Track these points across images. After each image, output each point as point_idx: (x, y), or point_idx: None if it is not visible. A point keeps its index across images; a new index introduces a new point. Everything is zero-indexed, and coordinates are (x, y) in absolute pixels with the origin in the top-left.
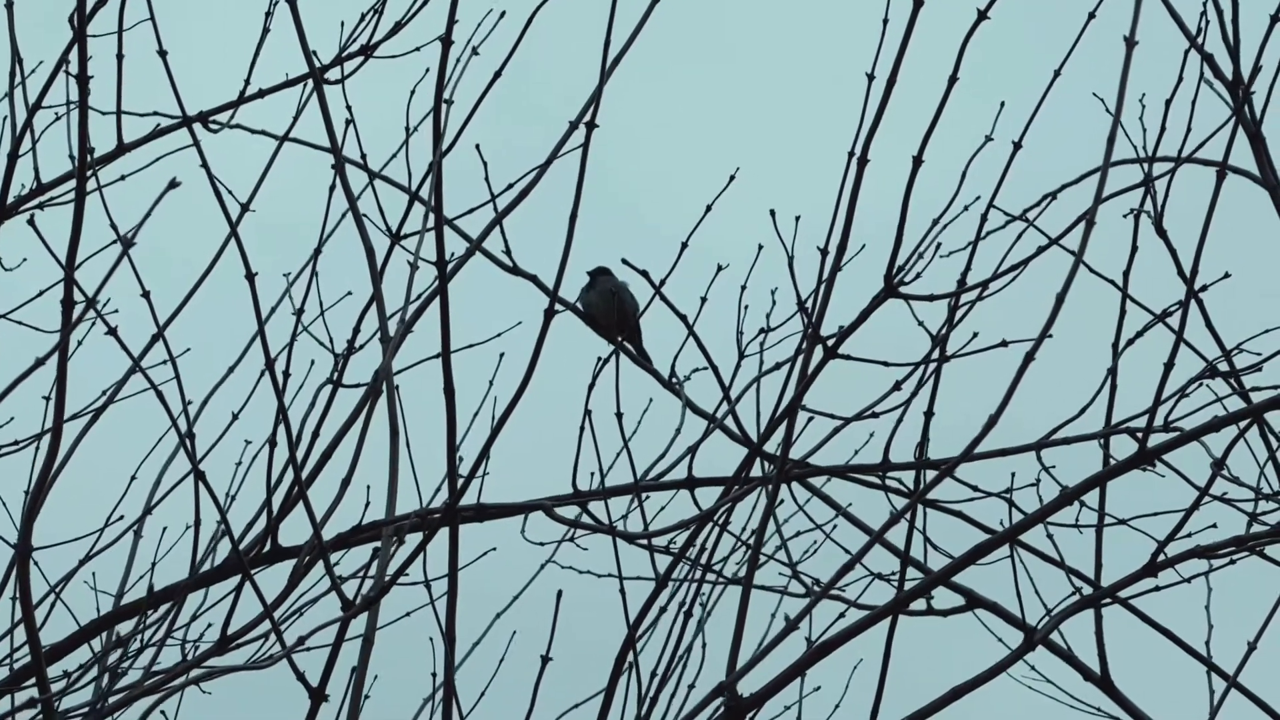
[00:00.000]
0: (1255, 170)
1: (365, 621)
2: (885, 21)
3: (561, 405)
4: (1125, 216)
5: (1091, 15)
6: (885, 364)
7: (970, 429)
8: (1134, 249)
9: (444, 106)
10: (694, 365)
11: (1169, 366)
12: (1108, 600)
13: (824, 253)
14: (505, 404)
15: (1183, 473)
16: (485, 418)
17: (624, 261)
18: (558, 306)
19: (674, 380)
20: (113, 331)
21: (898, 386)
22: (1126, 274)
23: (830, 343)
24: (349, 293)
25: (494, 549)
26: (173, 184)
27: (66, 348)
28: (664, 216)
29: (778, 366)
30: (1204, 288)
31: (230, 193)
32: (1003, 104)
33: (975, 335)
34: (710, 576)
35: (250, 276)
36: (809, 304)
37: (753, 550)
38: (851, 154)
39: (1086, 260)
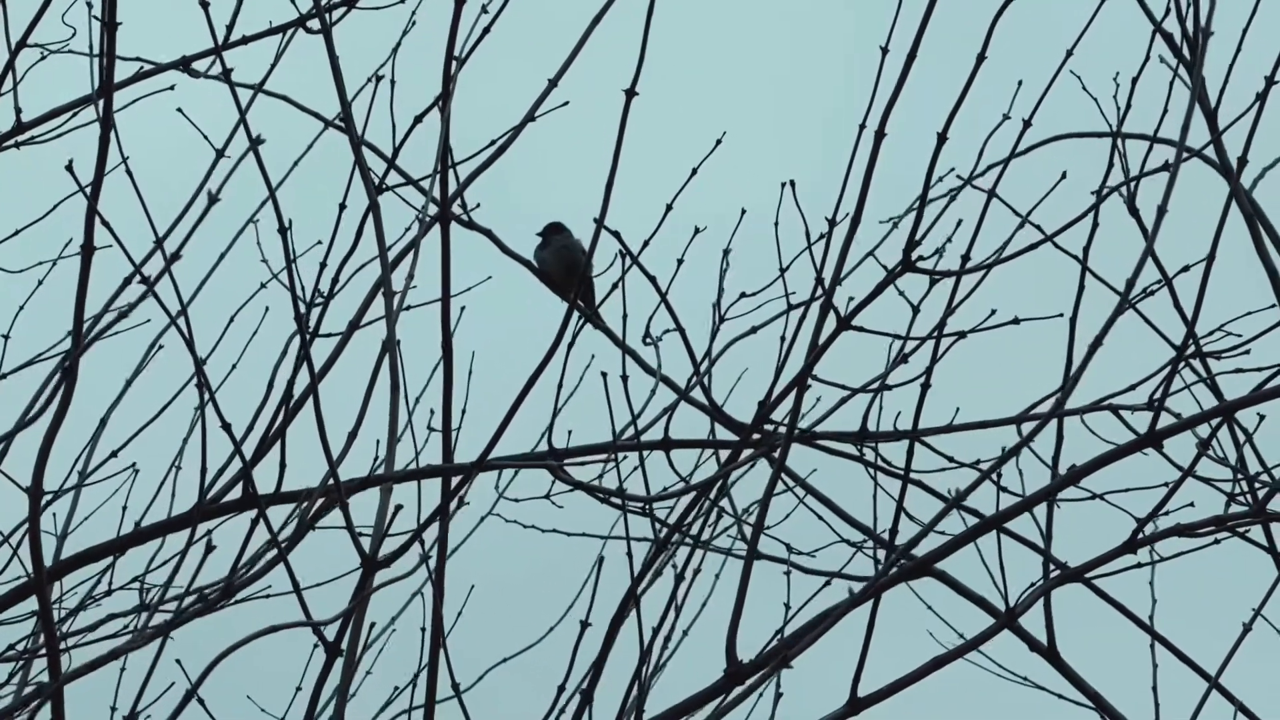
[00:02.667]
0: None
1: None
2: None
3: (518, 362)
4: (1095, 193)
5: None
6: (898, 337)
7: (946, 402)
8: (1095, 225)
9: (454, 63)
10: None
11: (1182, 348)
12: (1090, 576)
13: (832, 223)
14: (477, 359)
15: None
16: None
17: (596, 221)
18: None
19: (647, 341)
20: (136, 267)
21: (904, 359)
22: (1087, 249)
23: (845, 313)
24: (318, 241)
25: (467, 504)
26: (258, 140)
27: (84, 294)
28: (644, 180)
29: (754, 330)
30: (1186, 268)
31: (205, 137)
32: (1020, 83)
33: (994, 312)
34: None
35: (283, 225)
36: (822, 271)
37: (756, 523)
38: (863, 126)
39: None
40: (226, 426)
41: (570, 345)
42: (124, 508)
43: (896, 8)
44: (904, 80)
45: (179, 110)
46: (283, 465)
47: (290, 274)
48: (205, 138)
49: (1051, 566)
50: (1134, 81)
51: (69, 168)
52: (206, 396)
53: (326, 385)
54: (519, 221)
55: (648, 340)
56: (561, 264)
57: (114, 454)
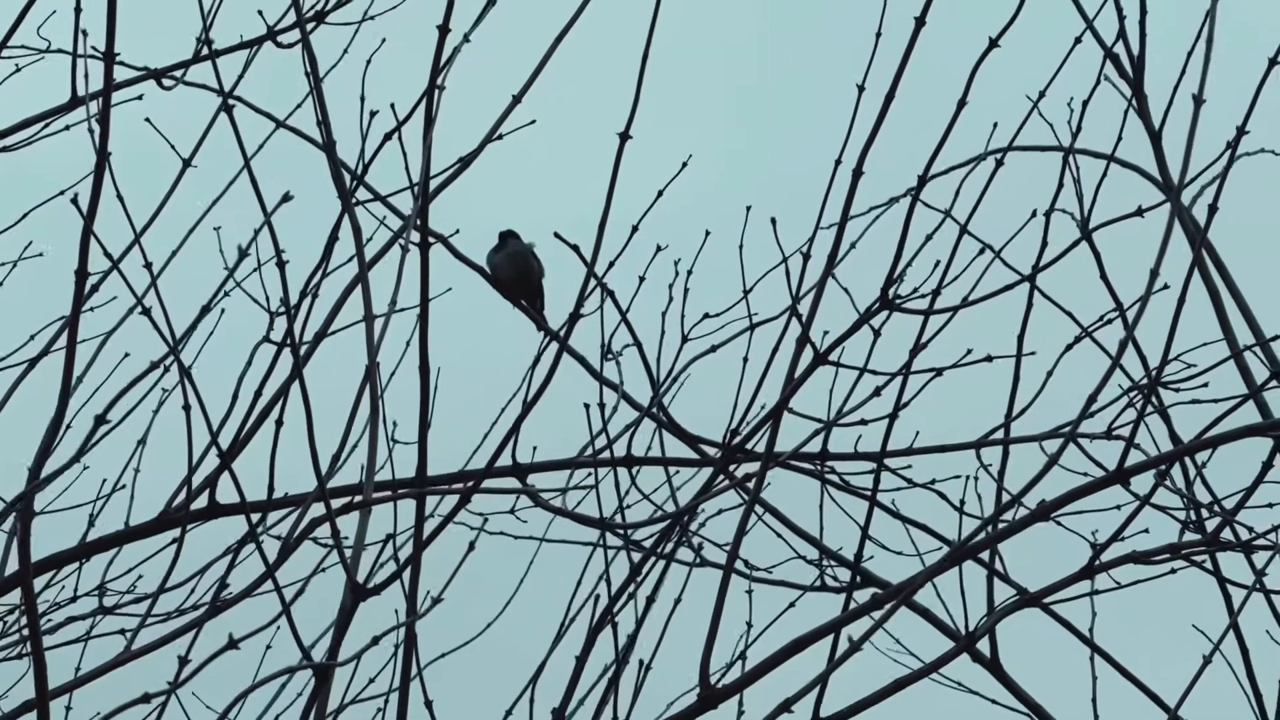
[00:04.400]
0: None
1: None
2: (879, 35)
3: (475, 370)
4: (1046, 215)
5: (1078, 40)
6: (873, 373)
7: (905, 423)
8: (1044, 244)
9: (437, 91)
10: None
11: (1152, 387)
12: (1043, 602)
13: (806, 256)
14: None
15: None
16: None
17: (556, 235)
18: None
19: (608, 356)
20: (114, 262)
21: (877, 393)
22: (1035, 266)
23: (821, 349)
24: (282, 250)
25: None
26: (286, 198)
27: (77, 320)
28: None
29: (713, 349)
30: (1144, 299)
31: (173, 147)
32: (995, 124)
33: (969, 351)
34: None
35: (280, 259)
36: (798, 303)
37: (731, 548)
38: (838, 163)
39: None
40: (209, 424)
41: (536, 360)
42: (90, 515)
43: (874, 46)
44: (881, 121)
45: (147, 120)
46: (272, 473)
47: (284, 293)
48: (173, 147)
49: (1010, 590)
50: (1084, 105)
51: (74, 201)
52: (192, 394)
53: (297, 399)
54: (474, 230)
55: (609, 356)
56: (513, 268)
57: (77, 458)
